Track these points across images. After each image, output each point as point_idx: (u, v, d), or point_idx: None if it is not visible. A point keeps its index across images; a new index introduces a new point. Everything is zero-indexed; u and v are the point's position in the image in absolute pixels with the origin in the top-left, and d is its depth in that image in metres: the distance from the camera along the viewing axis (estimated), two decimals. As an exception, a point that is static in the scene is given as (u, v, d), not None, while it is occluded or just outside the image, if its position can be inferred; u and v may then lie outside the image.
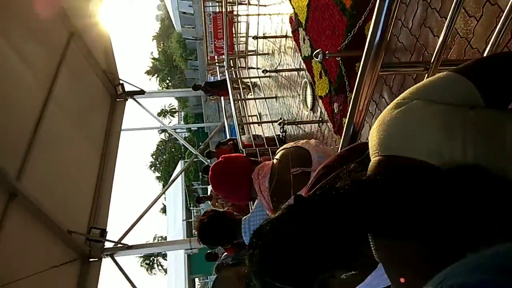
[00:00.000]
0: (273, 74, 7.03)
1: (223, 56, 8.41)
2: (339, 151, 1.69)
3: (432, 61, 1.25)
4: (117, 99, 7.22)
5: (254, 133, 6.91)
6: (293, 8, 5.13)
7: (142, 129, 11.81)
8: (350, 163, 0.83)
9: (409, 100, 0.69)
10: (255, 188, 1.47)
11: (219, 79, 9.07)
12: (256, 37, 6.98)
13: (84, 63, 5.88)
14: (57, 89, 4.62)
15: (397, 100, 0.72)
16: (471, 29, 1.96)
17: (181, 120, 43.85)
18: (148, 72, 45.83)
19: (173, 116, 44.39)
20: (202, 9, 9.31)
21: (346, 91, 3.53)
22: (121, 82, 7.21)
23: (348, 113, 1.67)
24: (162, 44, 46.58)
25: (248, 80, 8.80)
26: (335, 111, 4.08)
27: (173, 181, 8.67)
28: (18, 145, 3.81)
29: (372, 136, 0.73)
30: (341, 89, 3.72)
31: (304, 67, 5.01)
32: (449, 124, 0.62)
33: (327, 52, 2.68)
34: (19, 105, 3.97)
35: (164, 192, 9.90)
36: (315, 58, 2.71)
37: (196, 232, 1.72)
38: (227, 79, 6.01)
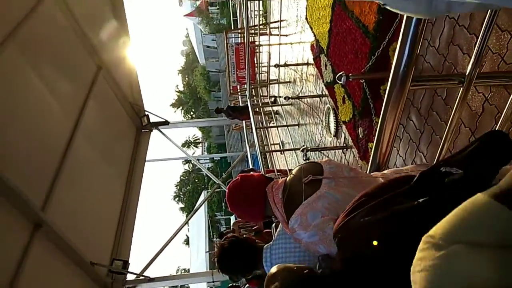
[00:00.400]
0: (295, 102, 7.01)
1: (245, 85, 8.51)
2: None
3: (467, 73, 1.16)
4: (142, 130, 7.37)
5: (278, 168, 6.86)
6: (314, 35, 5.15)
7: (166, 160, 11.94)
8: (390, 194, 0.78)
9: (447, 243, 0.60)
10: (269, 201, 1.47)
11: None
12: (277, 66, 7.04)
13: (110, 95, 6.04)
14: (84, 121, 4.73)
15: (433, 239, 0.62)
16: (504, 44, 1.85)
17: (204, 150, 44.40)
18: (173, 105, 47.07)
19: (197, 147, 45.01)
20: (225, 41, 9.54)
21: (371, 114, 3.43)
22: (146, 113, 7.37)
23: (375, 139, 1.59)
24: (186, 78, 48.02)
25: (270, 108, 8.83)
26: (360, 136, 3.97)
27: (196, 210, 8.62)
28: (44, 176, 3.87)
29: (415, 284, 0.63)
30: (366, 113, 3.62)
31: (327, 93, 4.96)
32: (502, 271, 0.54)
33: (350, 74, 2.61)
34: (46, 137, 4.06)
35: (187, 222, 9.83)
36: (338, 81, 2.64)
37: (215, 259, 1.66)
38: (249, 108, 6.02)
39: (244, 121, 8.41)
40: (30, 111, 3.77)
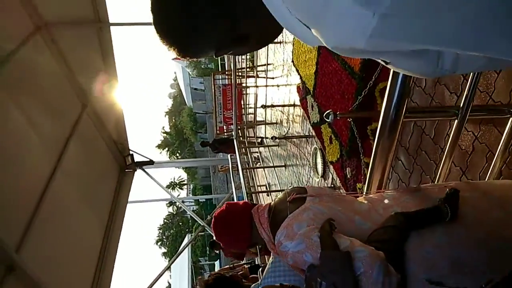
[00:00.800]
0: (282, 143, 7.02)
1: (232, 126, 8.54)
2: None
3: (461, 105, 1.14)
4: (126, 170, 7.19)
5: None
6: (301, 76, 5.25)
7: (150, 201, 11.63)
8: None
9: None
10: (255, 222, 1.46)
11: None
12: (264, 107, 7.13)
13: (94, 133, 5.94)
14: (65, 159, 4.58)
15: None
16: (491, 83, 1.89)
17: (189, 192, 43.72)
18: (159, 146, 46.83)
19: (182, 189, 44.34)
20: (212, 82, 9.69)
21: (359, 154, 3.42)
22: (130, 152, 7.23)
23: (366, 185, 1.57)
24: (173, 119, 48.23)
25: (256, 149, 8.83)
26: (348, 176, 3.94)
27: (179, 253, 8.29)
28: (20, 216, 3.67)
29: None
30: (354, 153, 3.61)
31: (313, 133, 4.99)
32: None
33: (338, 112, 2.62)
34: (25, 175, 3.90)
35: (169, 267, 9.43)
36: (326, 119, 2.65)
37: None
38: (236, 146, 5.99)
39: (230, 162, 8.36)
40: (8, 147, 3.64)
